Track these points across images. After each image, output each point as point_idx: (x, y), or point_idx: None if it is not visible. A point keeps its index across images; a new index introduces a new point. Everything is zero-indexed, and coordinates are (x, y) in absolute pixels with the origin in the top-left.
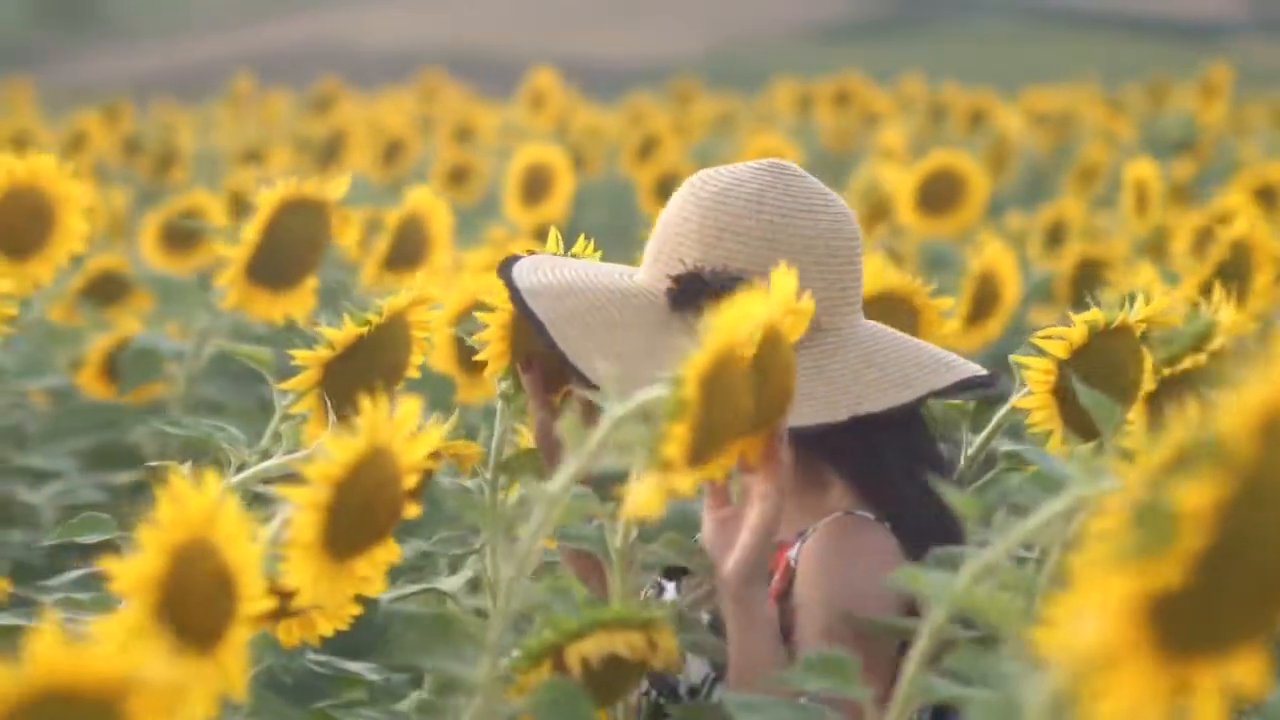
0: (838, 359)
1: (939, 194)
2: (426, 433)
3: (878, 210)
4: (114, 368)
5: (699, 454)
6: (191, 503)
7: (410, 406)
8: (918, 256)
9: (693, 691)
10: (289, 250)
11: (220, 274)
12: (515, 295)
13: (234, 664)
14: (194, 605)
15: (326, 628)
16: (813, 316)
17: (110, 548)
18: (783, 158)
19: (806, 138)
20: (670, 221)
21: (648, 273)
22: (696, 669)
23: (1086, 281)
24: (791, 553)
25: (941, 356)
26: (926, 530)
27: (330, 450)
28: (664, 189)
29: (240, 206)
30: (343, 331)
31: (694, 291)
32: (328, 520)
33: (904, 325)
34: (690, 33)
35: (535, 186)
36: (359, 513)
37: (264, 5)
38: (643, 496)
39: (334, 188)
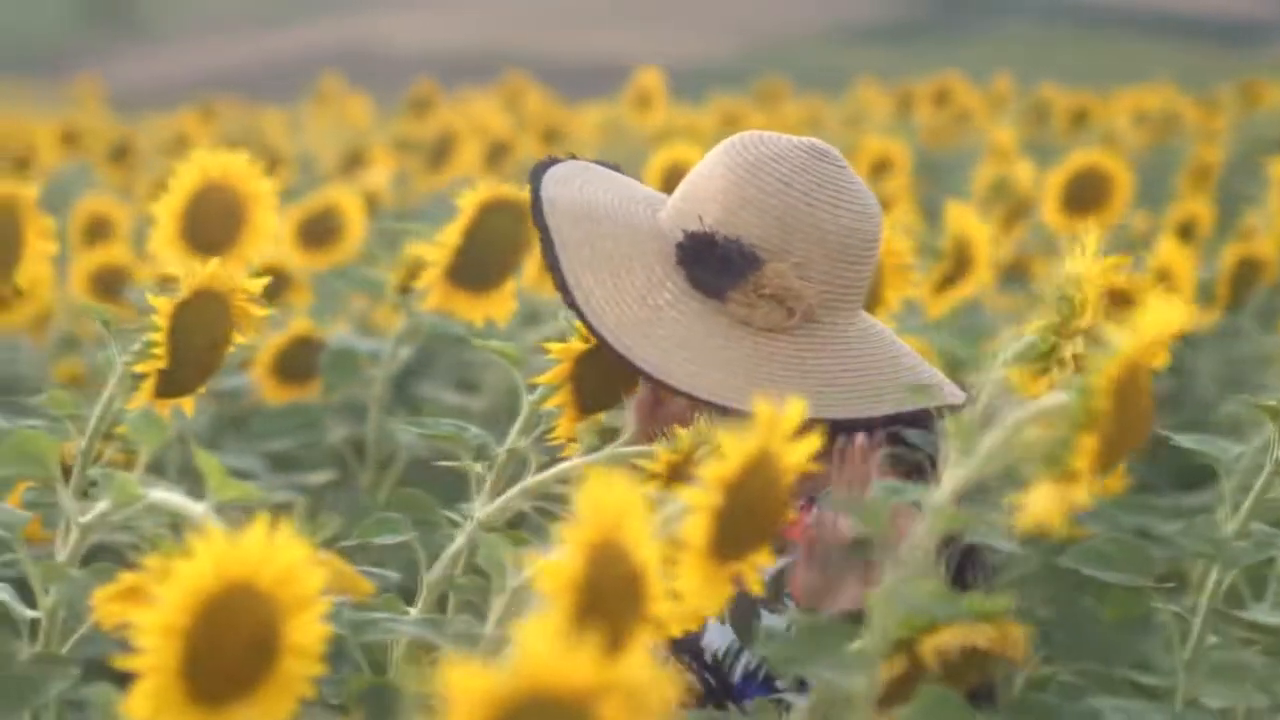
0: (821, 356)
1: (1084, 194)
2: (808, 438)
3: (1016, 210)
4: (287, 366)
5: (1104, 464)
6: (607, 502)
7: (796, 407)
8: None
9: (715, 658)
10: (490, 252)
11: (422, 276)
12: (536, 206)
13: (641, 669)
14: (608, 607)
15: (677, 629)
16: (806, 307)
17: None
18: (892, 159)
19: (906, 136)
20: (703, 174)
21: (670, 212)
22: (719, 636)
23: (1244, 281)
24: (811, 515)
25: (922, 377)
26: None
27: (723, 451)
28: None
29: (373, 206)
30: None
31: (701, 253)
32: (718, 524)
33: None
34: (719, 34)
35: (674, 185)
36: (746, 516)
37: (291, 9)
38: (1043, 507)
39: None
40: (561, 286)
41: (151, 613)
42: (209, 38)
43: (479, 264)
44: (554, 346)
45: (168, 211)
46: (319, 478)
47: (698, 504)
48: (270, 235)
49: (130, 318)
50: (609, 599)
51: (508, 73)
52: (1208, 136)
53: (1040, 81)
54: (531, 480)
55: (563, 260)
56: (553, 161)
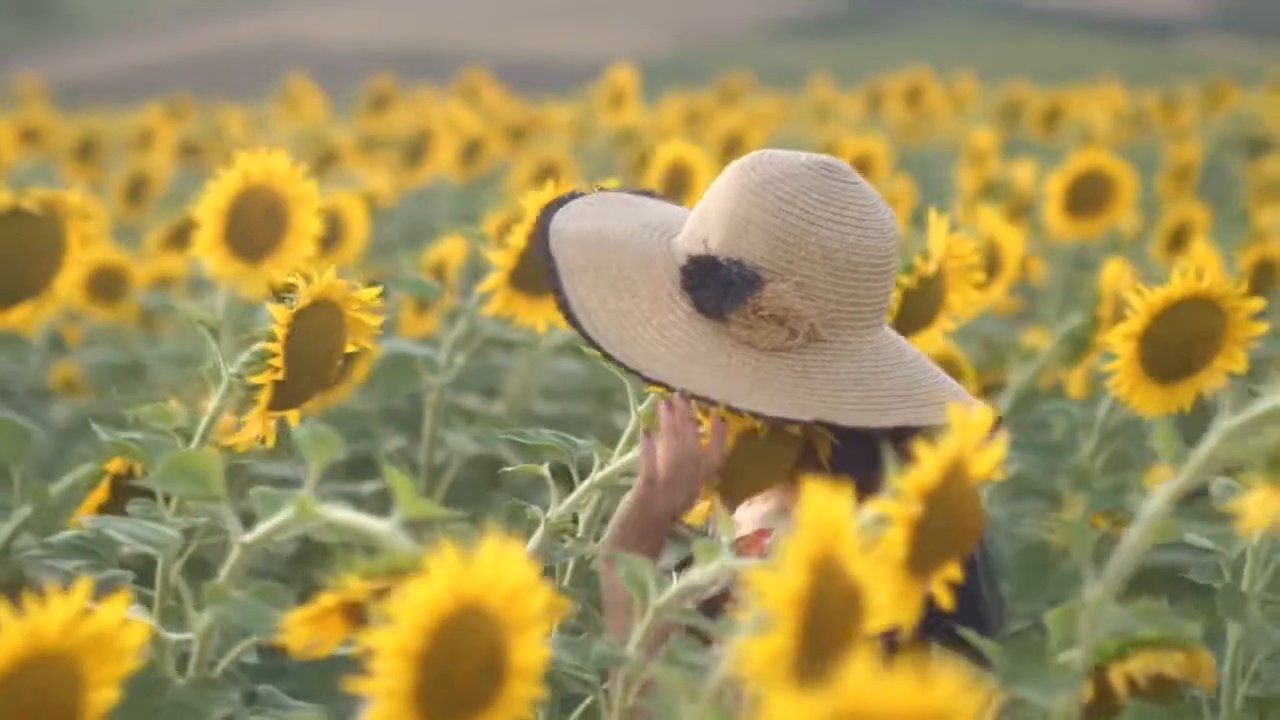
0: (827, 370)
1: (1088, 196)
2: (997, 445)
3: (1016, 210)
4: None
5: None
6: (827, 515)
7: (984, 414)
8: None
9: None
10: None
11: (486, 280)
12: (542, 237)
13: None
14: (829, 623)
15: None
16: (809, 327)
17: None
18: (873, 156)
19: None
20: (713, 196)
21: (683, 236)
22: None
23: (1262, 281)
24: (772, 538)
25: (938, 392)
26: None
27: (923, 462)
28: None
29: (374, 208)
30: None
31: (704, 276)
32: (916, 535)
33: (1212, 327)
34: (652, 30)
35: (676, 184)
36: (942, 527)
37: (219, 4)
38: (1260, 510)
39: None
40: (563, 305)
41: (386, 635)
42: (137, 34)
43: (539, 267)
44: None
45: (210, 214)
46: (370, 487)
47: (897, 515)
48: (314, 238)
49: (130, 319)
50: (830, 614)
51: (464, 70)
52: (1177, 136)
53: (962, 76)
54: (598, 475)
55: (565, 282)
56: (572, 196)
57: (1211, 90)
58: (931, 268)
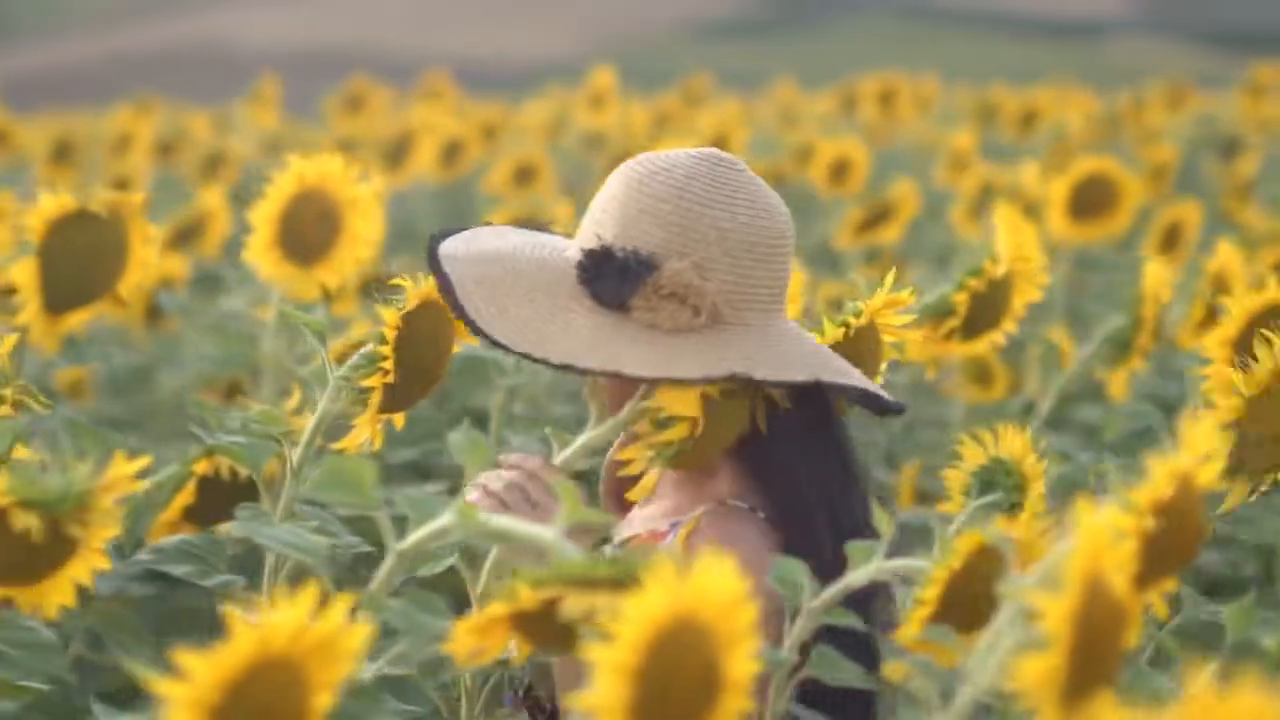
0: (733, 346)
1: (1091, 201)
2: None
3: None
4: None
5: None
6: (1097, 535)
7: (1209, 424)
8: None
9: None
10: None
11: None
12: (433, 258)
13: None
14: (1098, 642)
15: None
16: (711, 305)
17: None
18: (852, 159)
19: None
20: (600, 198)
21: (577, 241)
22: None
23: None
24: (668, 540)
25: (845, 367)
26: (810, 520)
27: (1154, 475)
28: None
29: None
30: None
31: (600, 267)
32: (1146, 549)
33: None
34: (576, 31)
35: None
36: (1170, 541)
37: (142, 5)
38: None
39: None
40: (460, 315)
41: (605, 651)
42: (60, 35)
43: None
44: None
45: (264, 219)
46: (434, 488)
47: (1129, 528)
48: (368, 241)
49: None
50: (1098, 632)
51: (426, 72)
52: (1145, 138)
53: (928, 78)
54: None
55: (459, 294)
56: (455, 230)
57: (1174, 93)
58: (1000, 270)
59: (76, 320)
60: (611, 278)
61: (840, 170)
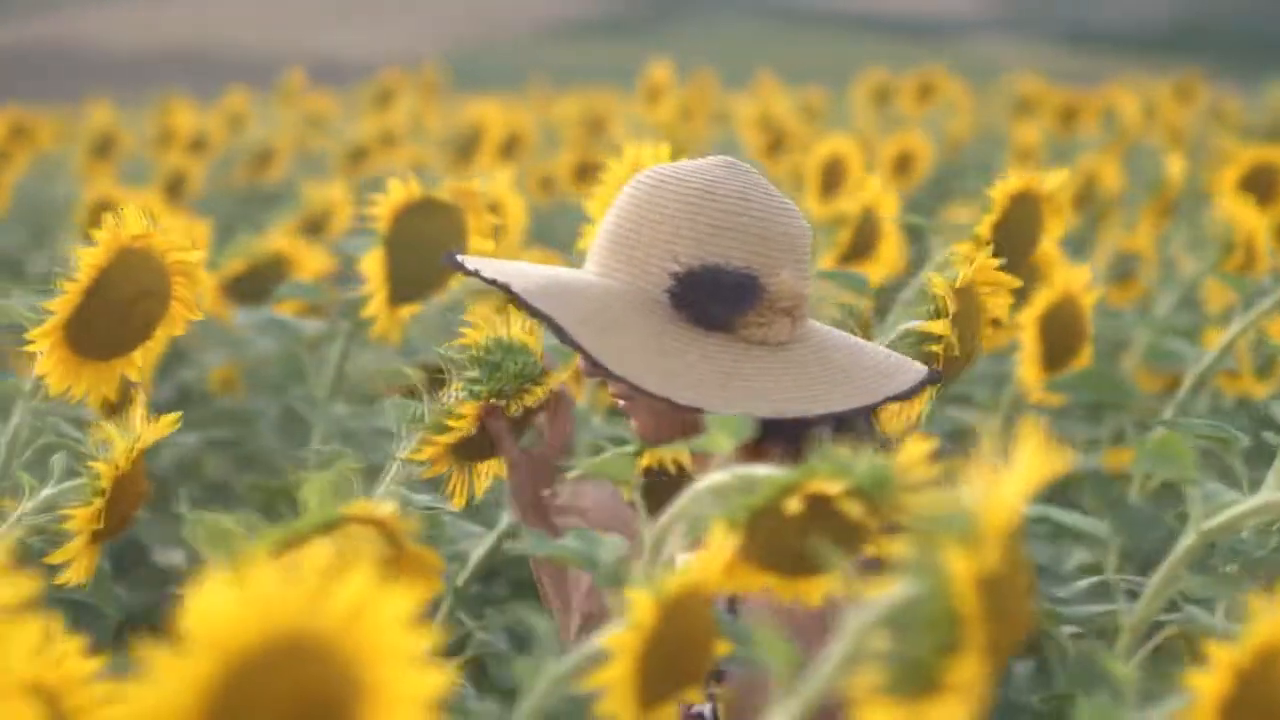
0: (820, 355)
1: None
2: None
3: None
4: None
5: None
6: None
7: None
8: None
9: None
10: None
11: None
12: (522, 298)
13: None
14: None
15: None
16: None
17: None
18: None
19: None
20: (645, 220)
21: (626, 272)
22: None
23: None
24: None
25: (893, 359)
26: None
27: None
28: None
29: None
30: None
31: (706, 288)
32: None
33: None
34: (430, 30)
35: (832, 178)
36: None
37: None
38: None
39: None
40: (585, 357)
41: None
42: None
43: None
44: None
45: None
46: None
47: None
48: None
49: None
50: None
51: (235, 71)
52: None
53: (753, 77)
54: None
55: (567, 328)
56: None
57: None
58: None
59: (409, 312)
60: (723, 297)
61: (831, 170)
